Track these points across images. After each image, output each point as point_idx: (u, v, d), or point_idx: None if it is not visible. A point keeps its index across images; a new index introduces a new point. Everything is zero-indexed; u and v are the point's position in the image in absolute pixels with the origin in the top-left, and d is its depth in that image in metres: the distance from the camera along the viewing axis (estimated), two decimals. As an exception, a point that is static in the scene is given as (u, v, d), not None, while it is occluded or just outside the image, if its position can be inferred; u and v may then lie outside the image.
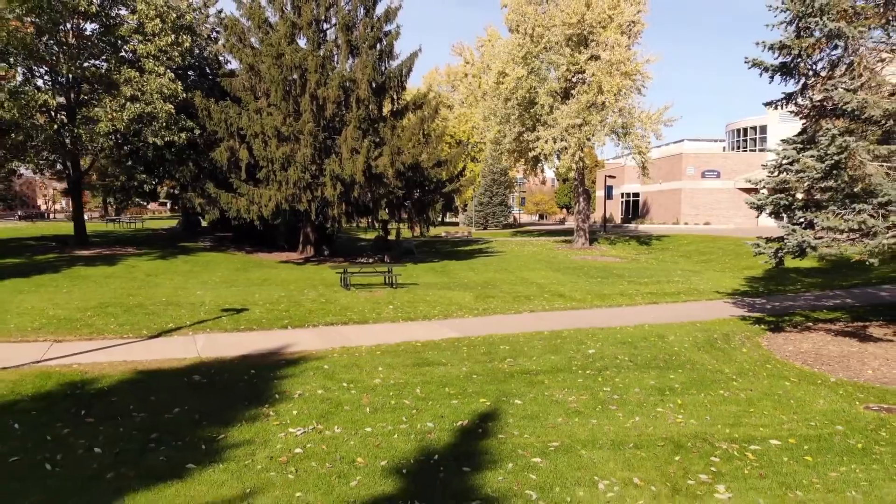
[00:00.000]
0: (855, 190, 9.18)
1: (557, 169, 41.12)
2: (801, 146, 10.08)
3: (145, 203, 67.32)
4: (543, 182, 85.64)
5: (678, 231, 39.27)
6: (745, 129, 58.33)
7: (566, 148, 30.16)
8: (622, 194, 55.41)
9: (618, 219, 54.68)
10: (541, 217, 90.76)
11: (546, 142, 30.28)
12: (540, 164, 37.46)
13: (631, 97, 30.55)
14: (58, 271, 18.31)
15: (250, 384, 7.69)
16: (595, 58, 29.98)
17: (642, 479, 5.15)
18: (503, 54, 33.27)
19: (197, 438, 5.92)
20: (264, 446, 5.73)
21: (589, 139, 30.27)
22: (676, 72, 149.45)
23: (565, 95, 31.49)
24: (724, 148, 59.06)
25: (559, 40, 30.30)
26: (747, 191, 38.21)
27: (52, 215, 75.81)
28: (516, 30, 32.60)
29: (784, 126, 41.79)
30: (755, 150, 51.69)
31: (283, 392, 7.34)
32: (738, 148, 58.21)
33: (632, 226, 48.59)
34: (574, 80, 31.41)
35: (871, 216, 9.03)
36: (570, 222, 55.96)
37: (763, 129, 55.49)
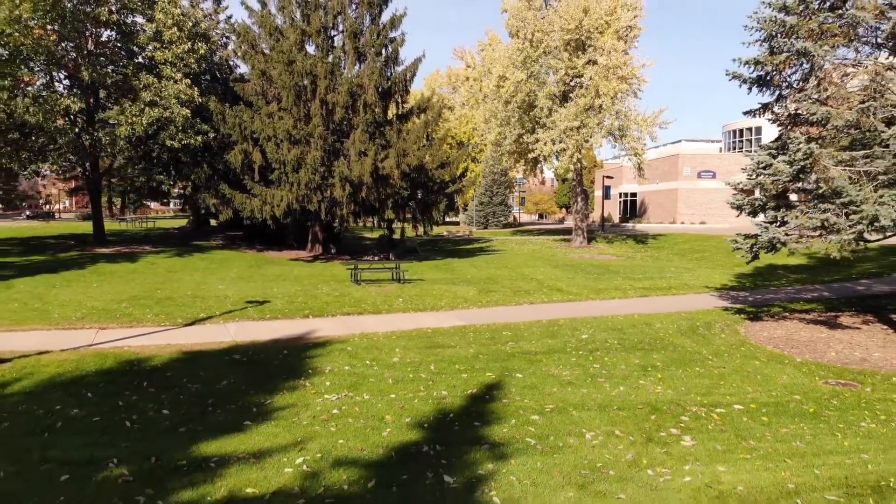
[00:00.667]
0: (821, 191, 10.25)
1: (556, 170, 42.18)
2: (776, 152, 11.14)
3: (158, 202, 68.23)
4: (543, 182, 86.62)
5: (674, 230, 40.34)
6: (741, 131, 59.40)
7: (565, 149, 31.21)
8: (620, 194, 56.47)
9: (616, 218, 55.74)
10: (540, 217, 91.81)
11: (545, 143, 31.32)
12: (539, 165, 38.51)
13: (627, 100, 31.61)
14: (83, 268, 19.39)
15: (285, 362, 8.77)
16: (592, 62, 31.01)
17: (622, 431, 6.22)
18: (503, 58, 34.31)
19: (248, 403, 6.99)
20: (306, 408, 6.80)
21: (587, 141, 31.31)
22: (676, 71, 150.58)
23: (564, 98, 32.52)
24: (720, 149, 60.15)
25: (558, 45, 31.36)
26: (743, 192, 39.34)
27: (58, 215, 76.76)
28: (516, 35, 33.66)
29: (777, 128, 42.89)
30: (750, 151, 52.72)
31: (315, 368, 8.42)
32: (734, 149, 59.28)
33: (629, 225, 49.64)
34: (572, 83, 32.45)
35: (835, 215, 10.09)
36: (569, 222, 56.99)
37: (758, 129, 56.55)
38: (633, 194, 54.87)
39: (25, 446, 5.83)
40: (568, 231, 41.97)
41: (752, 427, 6.51)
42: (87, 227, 37.00)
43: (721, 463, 5.52)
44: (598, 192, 57.46)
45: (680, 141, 59.01)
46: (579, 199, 35.51)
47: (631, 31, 32.46)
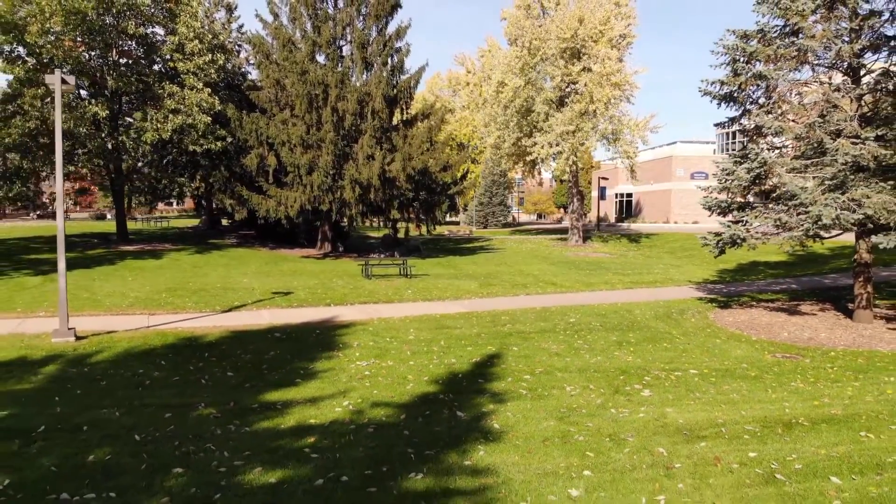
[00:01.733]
0: (776, 194, 11.88)
1: (553, 171, 43.78)
2: (739, 160, 12.76)
3: (163, 202, 69.59)
4: (541, 183, 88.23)
5: (667, 230, 42.00)
6: (735, 133, 61.06)
7: (561, 152, 32.86)
8: (616, 195, 58.11)
9: (612, 218, 57.39)
10: (539, 216, 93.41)
11: (542, 147, 32.94)
12: (537, 167, 40.18)
13: (620, 106, 33.27)
14: (114, 263, 20.99)
15: (318, 339, 10.40)
16: (587, 70, 32.66)
17: (595, 386, 7.84)
18: (502, 65, 35.95)
19: (295, 368, 8.62)
20: (343, 371, 8.42)
21: (582, 144, 32.95)
22: (675, 72, 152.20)
23: (560, 104, 34.15)
24: (714, 150, 61.84)
25: (554, 53, 32.97)
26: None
27: (67, 215, 77.76)
28: (514, 42, 35.33)
29: (743, 138, 44.45)
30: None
31: (344, 343, 10.05)
32: (728, 150, 60.93)
33: (624, 225, 51.28)
34: (568, 89, 34.07)
35: (788, 215, 11.71)
36: (567, 221, 58.61)
37: (750, 132, 58.22)
38: (629, 195, 56.49)
39: (126, 396, 7.45)
40: (565, 230, 43.62)
41: (701, 385, 8.13)
42: (103, 226, 38.65)
43: (670, 406, 7.14)
44: (595, 193, 59.09)
45: (675, 142, 60.59)
46: (575, 200, 37.14)
47: (624, 39, 34.12)
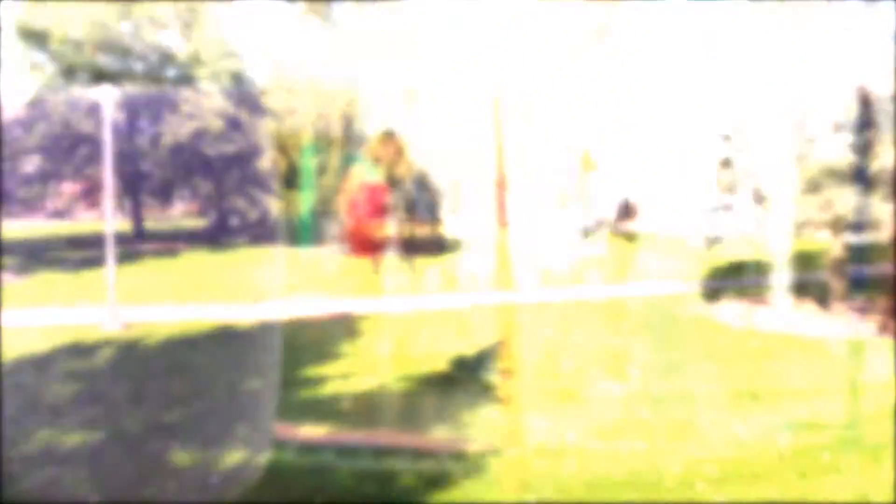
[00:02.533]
0: (758, 196, 13.02)
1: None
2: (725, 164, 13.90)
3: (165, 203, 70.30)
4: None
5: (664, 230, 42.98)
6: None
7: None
8: (614, 196, 59.00)
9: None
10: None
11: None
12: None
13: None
14: (135, 261, 21.80)
15: (346, 327, 11.54)
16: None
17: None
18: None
19: (327, 350, 9.75)
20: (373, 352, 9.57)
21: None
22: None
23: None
24: (710, 152, 62.97)
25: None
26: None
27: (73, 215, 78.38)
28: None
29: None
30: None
31: (373, 329, 11.21)
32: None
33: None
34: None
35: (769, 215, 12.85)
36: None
37: (745, 134, 59.27)
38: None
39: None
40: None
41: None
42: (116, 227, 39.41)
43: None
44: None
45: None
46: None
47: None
